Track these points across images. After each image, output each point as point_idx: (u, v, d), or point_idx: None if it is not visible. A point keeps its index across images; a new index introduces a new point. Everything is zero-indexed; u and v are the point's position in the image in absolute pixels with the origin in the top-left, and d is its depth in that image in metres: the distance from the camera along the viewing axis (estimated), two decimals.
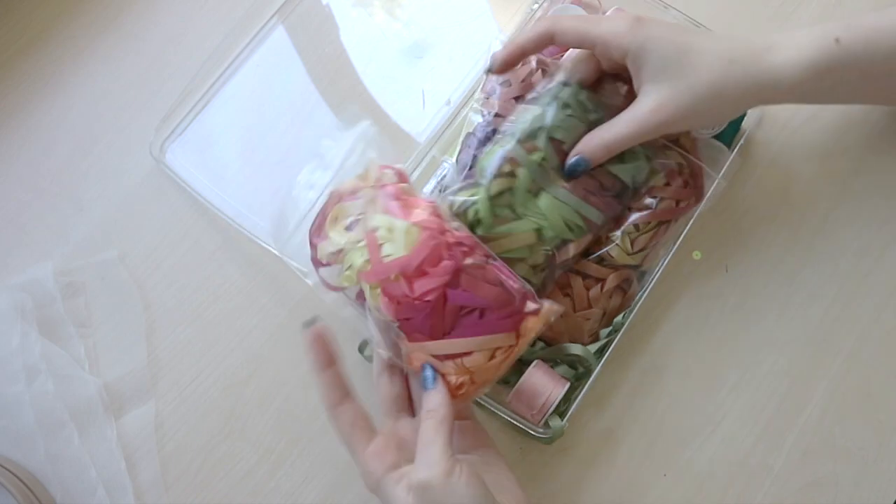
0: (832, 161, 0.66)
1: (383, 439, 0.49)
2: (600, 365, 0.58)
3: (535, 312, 0.50)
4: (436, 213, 0.51)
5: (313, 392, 0.62)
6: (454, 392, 0.49)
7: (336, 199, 0.53)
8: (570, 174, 0.56)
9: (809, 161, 0.67)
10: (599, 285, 0.59)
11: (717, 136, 0.64)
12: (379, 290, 0.49)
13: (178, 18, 0.73)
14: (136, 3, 0.73)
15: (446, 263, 0.48)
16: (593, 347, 0.59)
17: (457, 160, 0.62)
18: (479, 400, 0.60)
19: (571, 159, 0.56)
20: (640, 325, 0.62)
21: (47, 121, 0.70)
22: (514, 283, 0.50)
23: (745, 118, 0.65)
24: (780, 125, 0.67)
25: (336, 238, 0.52)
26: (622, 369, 0.61)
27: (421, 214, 0.50)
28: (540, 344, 0.60)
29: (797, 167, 0.66)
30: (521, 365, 0.60)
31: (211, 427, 0.62)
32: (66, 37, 0.72)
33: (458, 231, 0.51)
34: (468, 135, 0.62)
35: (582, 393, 0.58)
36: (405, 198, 0.51)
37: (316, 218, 0.54)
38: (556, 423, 0.58)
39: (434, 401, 0.48)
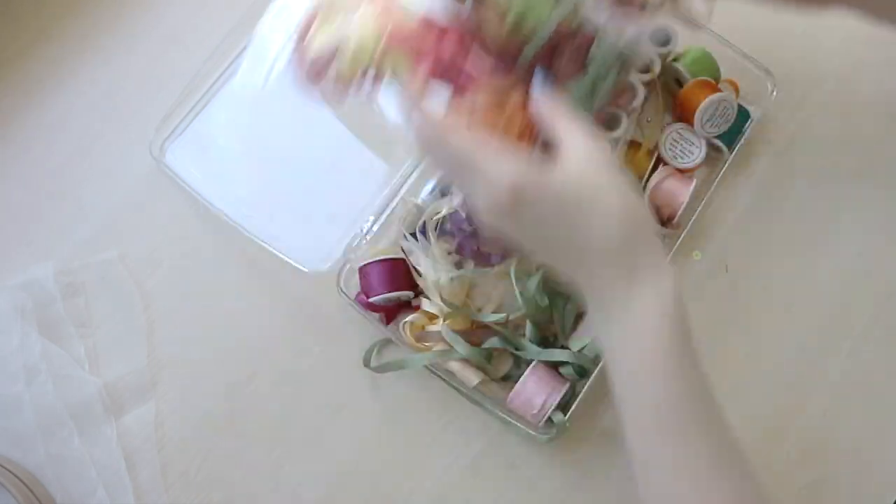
0: (832, 161, 0.67)
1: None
2: (600, 365, 0.59)
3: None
4: None
5: (313, 392, 0.62)
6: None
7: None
8: None
9: (809, 161, 0.67)
10: None
11: (718, 137, 0.64)
12: (401, 57, 0.49)
13: (178, 18, 0.73)
14: (136, 3, 0.73)
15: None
16: (591, 350, 0.59)
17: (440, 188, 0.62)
18: (479, 400, 0.60)
19: None
20: None
21: (47, 121, 0.70)
22: None
23: (748, 120, 0.65)
24: (780, 126, 0.67)
25: (331, 32, 0.50)
26: None
27: None
28: (539, 347, 0.60)
29: (797, 167, 0.67)
30: (520, 365, 0.60)
31: (211, 427, 0.62)
32: (66, 37, 0.72)
33: None
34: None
35: (582, 393, 0.58)
36: None
37: (296, 32, 0.52)
38: (558, 417, 0.58)
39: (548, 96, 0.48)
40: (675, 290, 0.46)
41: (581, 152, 0.45)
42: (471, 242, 0.61)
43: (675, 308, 0.46)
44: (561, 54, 0.52)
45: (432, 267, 0.61)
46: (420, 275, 0.62)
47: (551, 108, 0.48)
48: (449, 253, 0.62)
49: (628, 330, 0.46)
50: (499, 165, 0.45)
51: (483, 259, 0.61)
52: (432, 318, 0.61)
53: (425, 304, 0.61)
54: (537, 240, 0.47)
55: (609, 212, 0.45)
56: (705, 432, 0.46)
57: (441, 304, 0.60)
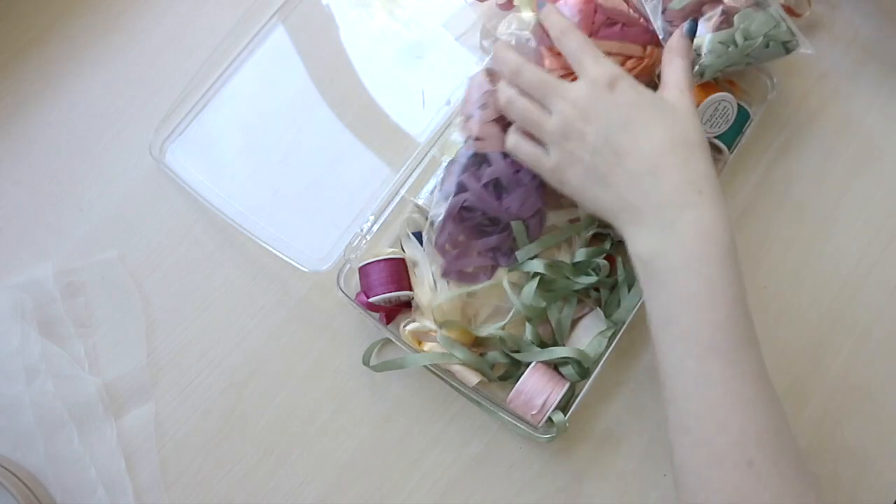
0: (831, 161, 0.67)
1: None
2: (600, 365, 0.59)
3: (658, 43, 0.61)
4: None
5: (313, 392, 0.62)
6: None
7: None
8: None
9: (809, 161, 0.67)
10: None
11: (718, 137, 0.64)
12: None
13: (178, 18, 0.73)
14: (136, 3, 0.73)
15: None
16: (590, 350, 0.59)
17: (441, 188, 0.61)
18: (479, 400, 0.60)
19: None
20: (640, 325, 0.62)
21: (47, 121, 0.70)
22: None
23: (747, 121, 0.65)
24: (779, 126, 0.67)
25: None
26: (622, 369, 0.61)
27: None
28: (538, 346, 0.60)
29: (797, 167, 0.67)
30: (520, 366, 0.60)
31: (211, 427, 0.62)
32: (66, 37, 0.72)
33: None
34: (450, 162, 0.61)
35: (582, 392, 0.58)
36: None
37: None
38: (558, 417, 0.58)
39: (561, 25, 0.57)
40: (723, 207, 0.51)
41: (676, 81, 0.54)
42: (456, 265, 0.61)
43: (723, 223, 0.50)
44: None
45: (428, 288, 0.61)
46: (417, 284, 0.62)
47: (676, 46, 0.56)
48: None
49: (697, 228, 0.50)
50: (607, 61, 0.55)
51: (469, 279, 0.61)
52: (431, 331, 0.61)
53: (420, 320, 0.61)
54: (620, 129, 0.52)
55: (692, 119, 0.53)
56: (754, 350, 0.49)
57: (434, 325, 0.60)
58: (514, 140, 0.57)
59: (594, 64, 0.54)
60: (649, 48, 0.62)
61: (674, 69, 0.55)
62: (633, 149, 0.52)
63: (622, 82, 0.54)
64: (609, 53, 0.60)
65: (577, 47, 0.55)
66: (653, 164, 0.51)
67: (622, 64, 0.60)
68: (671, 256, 0.50)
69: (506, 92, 0.57)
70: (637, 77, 0.59)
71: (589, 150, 0.53)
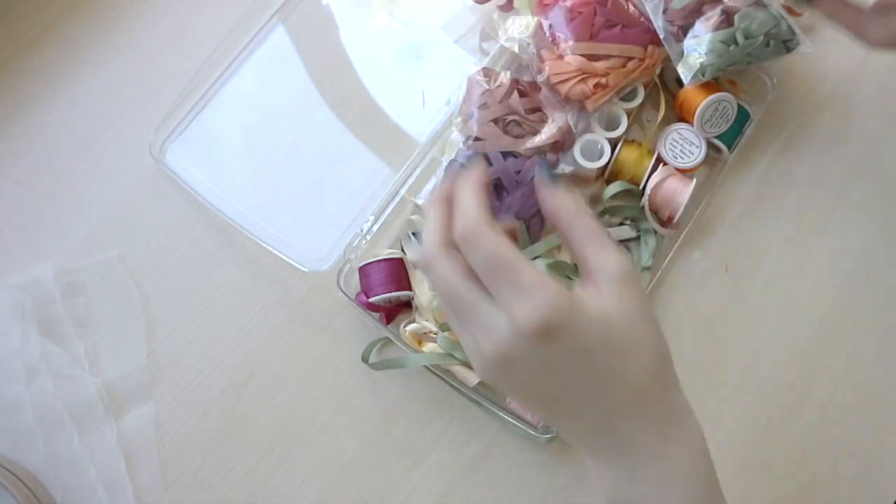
0: (832, 161, 0.67)
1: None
2: None
3: (659, 43, 0.62)
4: None
5: (313, 392, 0.62)
6: (593, 92, 0.60)
7: None
8: None
9: (809, 161, 0.67)
10: None
11: (718, 137, 0.64)
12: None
13: (178, 18, 0.73)
14: (137, 3, 0.73)
15: None
16: None
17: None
18: (479, 400, 0.60)
19: None
20: None
21: (47, 121, 0.70)
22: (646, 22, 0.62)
23: (747, 121, 0.65)
24: (779, 126, 0.67)
25: None
26: None
27: None
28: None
29: (797, 167, 0.67)
30: None
31: (211, 427, 0.62)
32: (66, 37, 0.72)
33: None
34: (451, 162, 0.62)
35: None
36: None
37: None
38: None
39: (570, 202, 0.41)
40: (702, 435, 0.42)
41: (616, 276, 0.39)
42: None
43: (706, 457, 0.42)
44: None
45: (427, 288, 0.61)
46: (418, 283, 0.62)
47: (558, 204, 0.41)
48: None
49: (663, 480, 0.41)
50: (531, 291, 0.37)
51: None
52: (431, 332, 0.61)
53: (420, 321, 0.61)
54: (564, 381, 0.40)
55: (649, 346, 0.40)
56: None
57: (434, 325, 0.60)
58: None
59: (522, 306, 0.38)
60: (650, 48, 0.62)
61: (592, 248, 0.40)
62: (582, 407, 0.41)
63: (564, 328, 0.38)
64: (609, 56, 0.60)
65: (510, 273, 0.38)
66: (609, 420, 0.41)
67: (623, 66, 0.61)
68: (640, 499, 0.41)
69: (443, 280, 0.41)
70: (638, 78, 0.59)
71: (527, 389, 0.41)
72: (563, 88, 0.61)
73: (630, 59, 0.61)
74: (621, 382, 0.40)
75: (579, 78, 0.60)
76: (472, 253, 0.39)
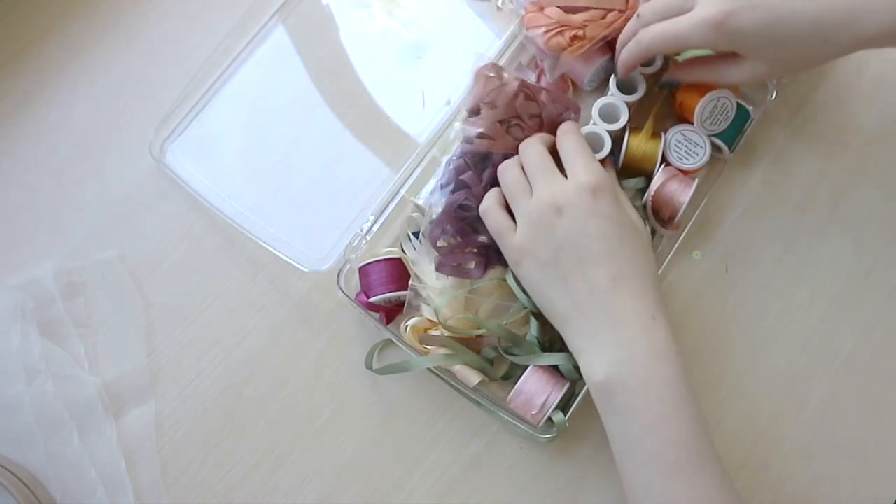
0: (832, 161, 0.66)
1: None
2: None
3: None
4: None
5: (313, 392, 0.62)
6: (570, 44, 0.61)
7: None
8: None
9: (809, 160, 0.67)
10: None
11: (718, 136, 0.64)
12: None
13: (178, 18, 0.73)
14: (137, 3, 0.73)
15: None
16: None
17: (441, 184, 0.61)
18: (479, 400, 0.60)
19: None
20: None
21: (47, 121, 0.70)
22: None
23: (748, 120, 0.65)
24: (780, 125, 0.67)
25: None
26: None
27: None
28: (542, 343, 0.60)
29: (797, 167, 0.66)
30: (520, 365, 0.60)
31: (211, 427, 0.62)
32: (66, 37, 0.72)
33: None
34: (451, 158, 0.62)
35: (582, 392, 0.58)
36: None
37: None
38: (558, 417, 0.58)
39: (566, 125, 0.59)
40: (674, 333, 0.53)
41: (584, 185, 0.55)
42: (450, 259, 0.61)
43: (678, 347, 0.52)
44: None
45: (435, 291, 0.61)
46: (419, 279, 0.62)
47: (564, 138, 0.59)
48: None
49: (653, 350, 0.51)
50: (598, 169, 0.56)
51: (463, 274, 0.61)
52: (433, 321, 0.61)
53: (425, 311, 0.61)
54: (591, 237, 0.53)
55: (643, 232, 0.57)
56: (717, 463, 0.50)
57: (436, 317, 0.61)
58: (488, 204, 0.58)
59: (584, 168, 0.55)
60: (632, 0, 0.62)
61: (572, 160, 0.57)
62: (599, 261, 0.53)
63: (606, 194, 0.55)
64: (588, 7, 0.61)
65: (573, 148, 0.57)
66: (614, 282, 0.53)
67: (603, 17, 0.61)
68: (628, 378, 0.51)
69: (506, 163, 0.59)
70: (618, 29, 0.60)
71: (554, 244, 0.54)
72: (540, 41, 0.62)
73: (610, 10, 0.62)
74: (630, 248, 0.54)
75: (557, 30, 0.61)
76: (561, 141, 0.58)
